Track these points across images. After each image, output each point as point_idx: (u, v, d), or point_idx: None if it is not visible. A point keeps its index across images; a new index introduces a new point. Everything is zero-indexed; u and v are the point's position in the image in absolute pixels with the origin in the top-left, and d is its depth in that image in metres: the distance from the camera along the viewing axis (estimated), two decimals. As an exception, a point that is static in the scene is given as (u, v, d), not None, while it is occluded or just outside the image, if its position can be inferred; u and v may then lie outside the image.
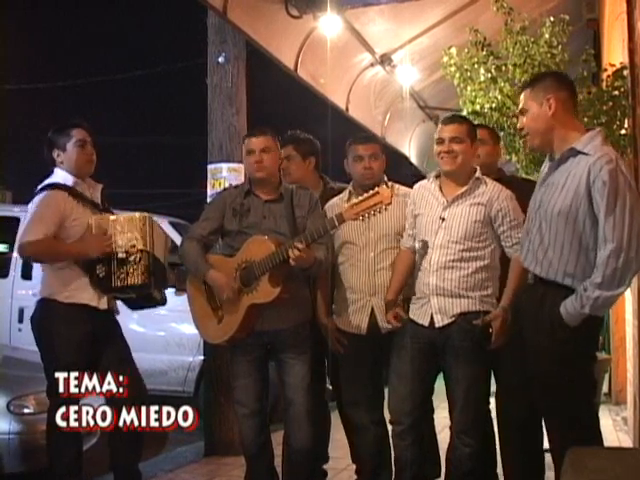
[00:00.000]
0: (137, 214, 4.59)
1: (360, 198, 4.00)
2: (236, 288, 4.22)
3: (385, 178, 4.54)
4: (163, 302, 4.85)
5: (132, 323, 7.64)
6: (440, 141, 4.19)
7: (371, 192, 3.96)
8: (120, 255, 4.48)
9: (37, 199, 4.50)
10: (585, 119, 6.16)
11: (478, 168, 4.25)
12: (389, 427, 4.47)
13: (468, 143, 4.17)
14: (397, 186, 4.54)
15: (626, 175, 3.48)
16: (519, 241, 4.01)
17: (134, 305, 4.86)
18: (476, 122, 6.60)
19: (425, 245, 4.18)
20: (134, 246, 4.47)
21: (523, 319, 3.79)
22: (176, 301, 7.71)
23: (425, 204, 4.26)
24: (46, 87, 25.47)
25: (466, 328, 4.06)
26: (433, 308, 4.13)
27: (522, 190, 4.33)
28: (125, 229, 4.50)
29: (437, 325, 4.11)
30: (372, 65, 8.58)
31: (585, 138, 3.60)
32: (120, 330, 4.73)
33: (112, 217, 4.59)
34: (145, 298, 4.70)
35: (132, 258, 4.46)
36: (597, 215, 3.47)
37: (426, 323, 4.15)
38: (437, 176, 4.29)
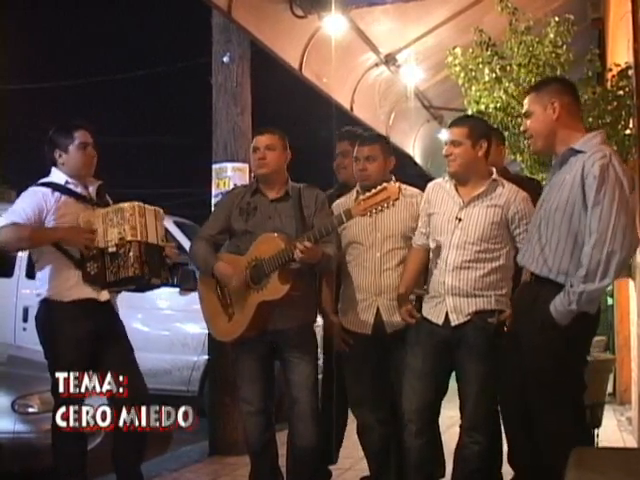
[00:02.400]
0: (126, 204, 4.52)
1: (368, 194, 4.01)
2: (244, 280, 4.23)
3: (393, 178, 4.55)
4: (167, 281, 4.85)
5: (136, 322, 7.65)
6: (445, 144, 4.26)
7: (379, 187, 3.98)
8: (111, 249, 4.46)
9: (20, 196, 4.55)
10: (590, 119, 6.16)
11: (494, 170, 4.25)
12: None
13: (468, 145, 4.15)
14: (404, 187, 4.55)
15: (618, 172, 3.50)
16: None
17: (142, 289, 4.90)
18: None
19: (440, 244, 4.19)
20: (123, 238, 4.45)
21: (517, 317, 3.86)
22: (180, 301, 7.75)
23: (441, 203, 4.26)
24: (48, 87, 25.49)
25: (481, 326, 4.08)
26: (448, 307, 4.13)
27: (526, 188, 4.35)
28: (114, 222, 4.48)
29: (453, 324, 4.12)
30: (377, 65, 8.58)
31: (584, 138, 3.68)
32: (123, 328, 4.73)
33: (101, 211, 4.56)
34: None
35: (122, 251, 4.44)
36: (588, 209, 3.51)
37: (440, 322, 4.15)
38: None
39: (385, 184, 3.99)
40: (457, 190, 4.23)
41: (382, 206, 3.96)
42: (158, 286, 4.82)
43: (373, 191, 3.99)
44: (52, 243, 4.47)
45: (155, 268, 4.59)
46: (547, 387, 3.64)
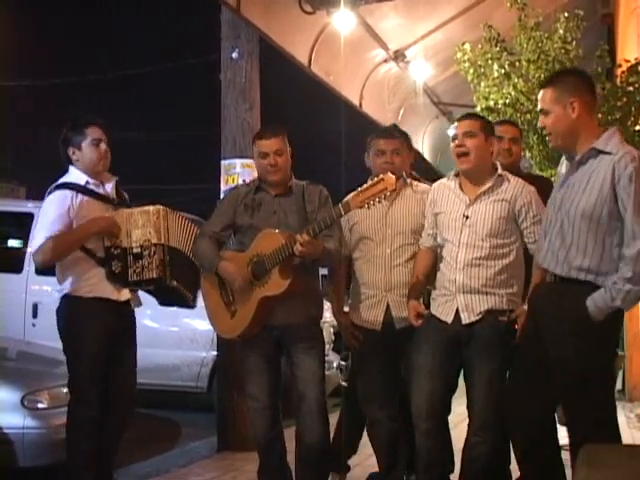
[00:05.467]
0: (151, 207, 4.60)
1: (365, 186, 4.00)
2: (247, 277, 4.24)
3: (404, 174, 4.55)
4: (193, 304, 4.92)
5: (145, 319, 7.65)
6: (454, 137, 4.18)
7: (375, 179, 3.98)
8: (135, 250, 4.52)
9: (44, 202, 4.53)
10: (599, 115, 6.15)
11: (499, 164, 4.22)
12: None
13: (482, 137, 4.11)
14: (415, 183, 4.55)
15: None
16: None
17: (165, 302, 5.07)
18: (491, 118, 6.61)
19: (448, 242, 4.17)
20: (148, 240, 4.51)
21: (541, 318, 3.79)
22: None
23: (447, 202, 4.23)
24: (59, 83, 25.58)
25: (492, 324, 4.04)
26: (460, 305, 4.09)
27: (539, 186, 4.35)
28: (139, 224, 4.54)
29: (464, 322, 4.07)
30: (386, 61, 8.59)
31: (603, 138, 3.62)
32: (135, 331, 4.77)
33: (127, 211, 4.61)
34: (175, 295, 4.74)
35: (147, 252, 4.51)
36: (622, 212, 3.49)
37: (449, 320, 4.11)
38: (457, 174, 4.25)
39: (382, 175, 3.98)
40: (461, 188, 4.20)
41: (380, 197, 3.95)
42: (183, 304, 4.92)
43: (370, 182, 3.98)
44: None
45: (176, 273, 4.60)
46: (580, 383, 3.61)
